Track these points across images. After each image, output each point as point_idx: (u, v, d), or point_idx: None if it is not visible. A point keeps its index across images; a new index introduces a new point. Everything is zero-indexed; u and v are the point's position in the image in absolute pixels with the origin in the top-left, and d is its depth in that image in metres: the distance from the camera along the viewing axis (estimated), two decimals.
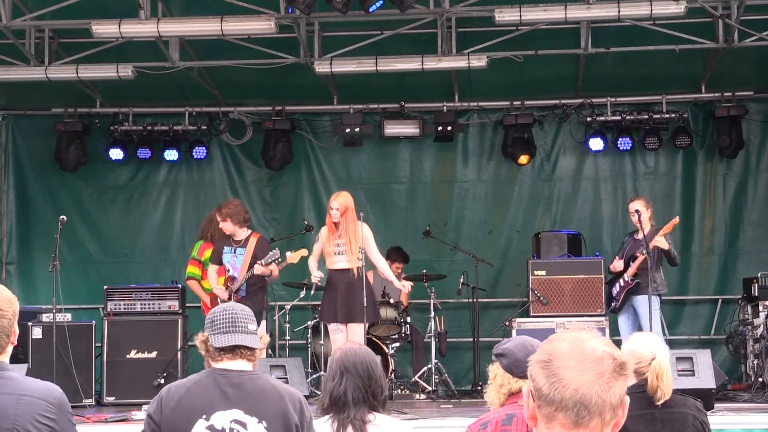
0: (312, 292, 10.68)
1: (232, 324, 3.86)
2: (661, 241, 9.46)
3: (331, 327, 9.40)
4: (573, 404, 2.03)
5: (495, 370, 4.03)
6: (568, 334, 2.12)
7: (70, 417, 3.51)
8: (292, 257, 9.71)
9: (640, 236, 9.59)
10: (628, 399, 2.10)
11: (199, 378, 3.87)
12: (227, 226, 9.68)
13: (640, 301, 9.54)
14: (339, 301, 9.26)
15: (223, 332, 3.86)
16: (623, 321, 9.84)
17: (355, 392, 4.10)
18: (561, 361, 2.06)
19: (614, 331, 10.80)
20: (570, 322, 10.51)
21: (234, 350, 3.86)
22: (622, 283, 9.82)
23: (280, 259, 9.67)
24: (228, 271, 9.75)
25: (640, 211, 9.60)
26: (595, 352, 2.07)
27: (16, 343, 3.57)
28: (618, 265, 9.86)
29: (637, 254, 9.61)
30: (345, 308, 9.24)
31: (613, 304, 9.95)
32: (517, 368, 3.90)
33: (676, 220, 9.69)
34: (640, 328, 9.52)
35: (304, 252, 9.76)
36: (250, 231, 9.80)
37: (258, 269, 9.46)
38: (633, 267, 9.62)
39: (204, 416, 3.75)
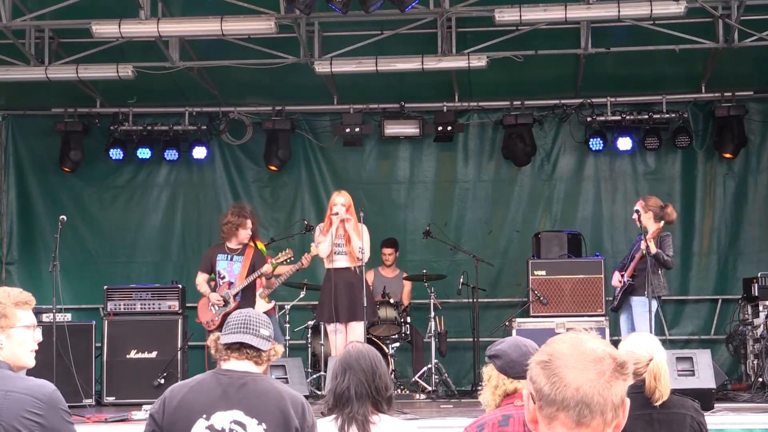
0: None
1: (244, 325, 3.92)
2: (648, 245, 9.44)
3: (330, 327, 9.36)
4: (575, 403, 2.03)
5: (489, 372, 4.00)
6: (567, 335, 2.12)
7: (64, 414, 3.50)
8: (306, 258, 9.69)
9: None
10: (628, 401, 2.10)
11: (203, 378, 3.91)
12: (247, 234, 9.72)
13: (635, 302, 9.51)
14: (339, 301, 9.22)
15: (234, 332, 3.91)
16: (623, 321, 9.81)
17: (359, 387, 4.09)
18: (561, 361, 2.06)
19: (614, 331, 10.81)
20: (570, 322, 10.51)
21: (240, 349, 3.90)
22: (621, 284, 9.80)
23: (292, 258, 9.73)
24: (224, 277, 9.79)
25: (639, 211, 9.60)
26: (595, 352, 2.07)
27: (2, 348, 3.58)
28: (615, 280, 9.83)
29: (635, 255, 9.61)
30: (345, 307, 9.21)
31: (614, 303, 9.94)
32: (512, 369, 3.87)
33: (669, 217, 9.58)
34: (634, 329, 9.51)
35: (314, 251, 9.73)
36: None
37: (266, 268, 9.54)
38: (630, 267, 9.61)
39: (204, 416, 3.77)
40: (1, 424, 3.34)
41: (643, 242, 9.39)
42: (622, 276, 9.69)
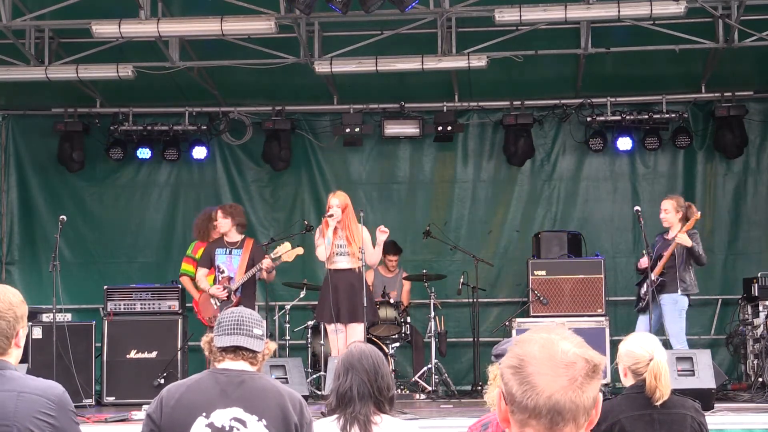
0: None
1: (237, 326, 3.91)
2: (683, 238, 9.33)
3: (331, 328, 9.36)
4: (546, 411, 2.00)
5: (495, 371, 4.01)
6: (538, 335, 2.07)
7: (73, 416, 3.50)
8: (288, 255, 9.71)
9: (669, 236, 9.54)
10: (601, 396, 2.07)
11: (200, 377, 3.91)
12: (226, 223, 9.74)
13: (665, 300, 9.42)
14: (340, 302, 9.22)
15: (227, 333, 3.91)
16: (643, 320, 9.58)
17: (361, 387, 4.09)
18: (533, 367, 2.01)
19: (614, 332, 10.81)
20: (570, 322, 10.49)
21: (236, 351, 3.90)
22: (648, 282, 9.55)
23: (284, 255, 9.74)
24: (223, 272, 9.77)
25: (669, 210, 9.55)
26: (566, 355, 2.02)
27: (21, 346, 3.57)
28: (643, 261, 9.66)
29: (663, 253, 9.51)
30: (347, 308, 9.20)
31: (639, 303, 9.74)
32: None
33: (698, 215, 9.55)
34: (662, 326, 9.44)
35: (299, 251, 9.78)
36: (243, 236, 9.89)
37: (267, 263, 9.52)
38: (659, 265, 9.45)
39: (204, 414, 3.77)
40: (16, 425, 3.34)
41: (680, 234, 9.30)
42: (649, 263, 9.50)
